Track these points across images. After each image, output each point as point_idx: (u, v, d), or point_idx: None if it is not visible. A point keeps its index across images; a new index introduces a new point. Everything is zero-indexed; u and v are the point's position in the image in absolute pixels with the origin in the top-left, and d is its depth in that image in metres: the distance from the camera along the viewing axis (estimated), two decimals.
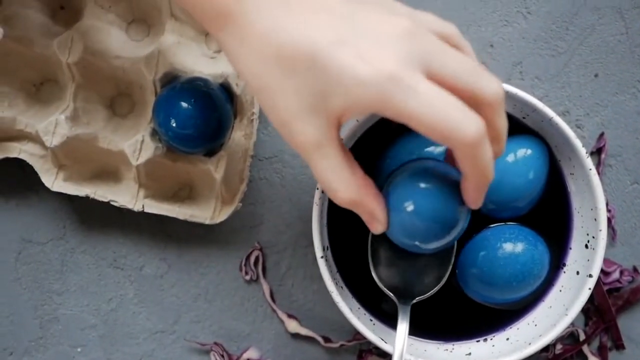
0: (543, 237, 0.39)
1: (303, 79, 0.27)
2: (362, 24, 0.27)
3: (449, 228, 0.31)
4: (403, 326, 0.36)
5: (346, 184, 0.29)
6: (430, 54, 0.27)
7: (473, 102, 0.27)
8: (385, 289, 0.37)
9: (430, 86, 0.26)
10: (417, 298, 0.37)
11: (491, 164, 0.28)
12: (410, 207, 0.31)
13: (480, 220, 0.39)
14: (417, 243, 0.32)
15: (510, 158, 0.38)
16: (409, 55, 0.26)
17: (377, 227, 0.31)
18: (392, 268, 0.37)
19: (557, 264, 0.40)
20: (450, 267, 0.37)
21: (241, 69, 0.28)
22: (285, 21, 0.27)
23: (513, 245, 0.38)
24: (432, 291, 0.37)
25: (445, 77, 0.26)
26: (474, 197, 0.29)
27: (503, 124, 0.28)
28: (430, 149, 0.38)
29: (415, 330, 0.39)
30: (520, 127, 0.39)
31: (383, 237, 0.35)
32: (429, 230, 0.31)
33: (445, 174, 0.31)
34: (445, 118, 0.25)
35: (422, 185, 0.31)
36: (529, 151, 0.38)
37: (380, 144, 0.39)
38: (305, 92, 0.27)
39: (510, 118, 0.39)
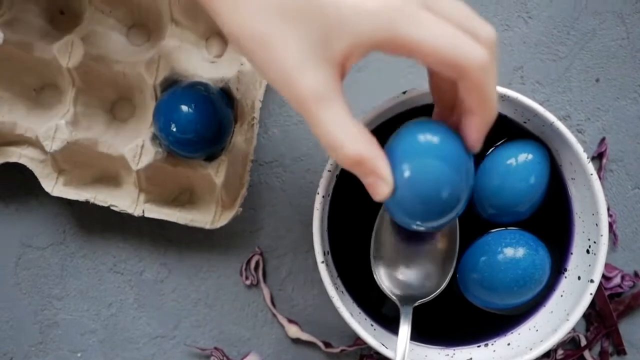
0: (544, 242, 0.39)
1: (306, 24, 0.26)
2: None
3: (457, 195, 0.30)
4: (405, 328, 0.35)
5: (352, 137, 0.27)
6: None
7: None
8: (387, 291, 0.37)
9: (435, 17, 0.26)
10: (418, 301, 0.37)
11: (496, 94, 0.28)
12: (414, 163, 0.29)
13: (481, 225, 0.39)
14: (420, 218, 0.30)
15: (511, 162, 0.38)
16: None
17: (383, 189, 0.28)
18: (394, 271, 0.37)
19: (558, 268, 0.39)
20: (452, 269, 0.37)
21: (236, 26, 0.27)
22: None
23: (514, 250, 0.38)
24: (434, 294, 0.37)
25: (442, 14, 0.27)
26: (477, 137, 0.29)
27: (496, 68, 0.28)
28: None
29: (416, 335, 0.39)
30: (521, 131, 0.39)
31: (386, 237, 0.35)
32: (434, 190, 0.29)
33: (443, 127, 0.30)
34: (455, 44, 0.26)
35: (422, 137, 0.29)
36: (530, 156, 0.38)
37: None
38: (307, 39, 0.26)
39: (511, 123, 0.39)
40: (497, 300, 0.38)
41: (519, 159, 0.38)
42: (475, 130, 0.29)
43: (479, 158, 0.39)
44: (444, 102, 0.32)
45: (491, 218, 0.39)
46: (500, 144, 0.39)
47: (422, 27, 0.26)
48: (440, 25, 0.26)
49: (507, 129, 0.39)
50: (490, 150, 0.39)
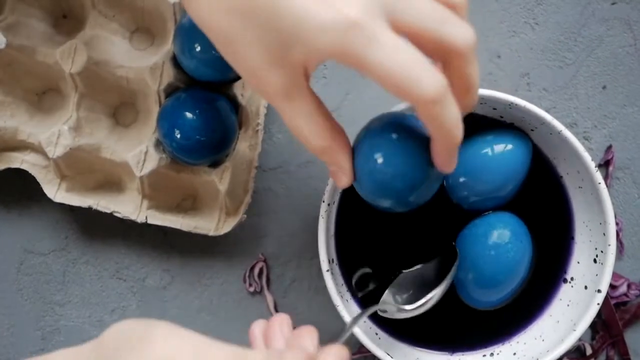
0: (546, 249, 0.39)
1: (264, 30, 0.26)
2: None
3: (414, 187, 0.30)
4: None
5: (316, 132, 0.28)
6: (395, 0, 0.26)
7: (441, 51, 0.26)
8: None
9: (394, 37, 0.25)
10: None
11: (456, 123, 0.26)
12: (378, 160, 0.30)
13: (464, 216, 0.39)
14: (384, 200, 0.31)
15: (488, 151, 0.38)
16: (373, 1, 0.25)
17: (342, 179, 0.30)
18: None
19: (562, 277, 0.39)
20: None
21: (205, 21, 0.27)
22: None
23: (487, 238, 0.38)
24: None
25: (410, 25, 0.26)
26: (442, 160, 0.28)
27: (473, 73, 0.27)
28: None
29: (423, 342, 0.39)
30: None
31: None
32: (395, 187, 0.30)
33: (418, 131, 0.30)
34: (405, 72, 0.25)
35: (393, 136, 0.30)
36: (510, 146, 0.38)
37: None
38: (266, 43, 0.26)
39: (517, 130, 0.39)
40: (488, 293, 0.38)
41: (496, 149, 0.38)
42: (440, 154, 0.28)
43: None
44: None
45: (470, 206, 0.39)
46: (477, 134, 0.39)
47: (376, 49, 0.24)
48: (396, 49, 0.25)
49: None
50: (465, 140, 0.39)
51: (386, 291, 0.38)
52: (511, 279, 0.38)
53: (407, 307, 0.36)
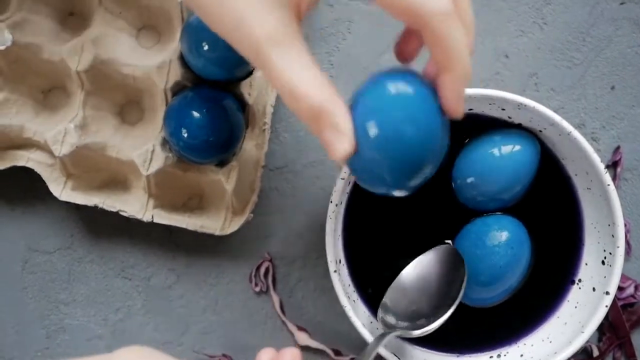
0: (553, 250, 0.39)
1: None
2: None
3: (427, 141, 0.26)
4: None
5: (314, 85, 0.25)
6: None
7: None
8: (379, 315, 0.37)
9: None
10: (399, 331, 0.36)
11: (466, 50, 0.25)
12: (385, 111, 0.25)
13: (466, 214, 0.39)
14: (388, 176, 0.26)
15: (496, 151, 0.38)
16: None
17: (343, 143, 0.25)
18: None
19: (569, 278, 0.39)
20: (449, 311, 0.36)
21: None
22: None
23: (478, 238, 0.38)
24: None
25: None
26: (452, 96, 0.26)
27: (469, 9, 0.26)
28: None
29: (430, 344, 0.39)
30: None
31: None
32: (405, 141, 0.25)
33: (419, 82, 0.26)
34: None
35: (393, 92, 0.26)
36: (518, 146, 0.37)
37: None
38: None
39: (526, 130, 0.38)
40: (483, 290, 0.38)
41: (504, 150, 0.37)
42: (449, 88, 0.25)
43: (461, 147, 0.39)
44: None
45: (476, 206, 0.39)
46: (485, 135, 0.39)
47: None
48: None
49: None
50: (473, 139, 0.39)
51: (384, 311, 0.37)
52: (498, 281, 0.38)
53: (416, 332, 0.36)
